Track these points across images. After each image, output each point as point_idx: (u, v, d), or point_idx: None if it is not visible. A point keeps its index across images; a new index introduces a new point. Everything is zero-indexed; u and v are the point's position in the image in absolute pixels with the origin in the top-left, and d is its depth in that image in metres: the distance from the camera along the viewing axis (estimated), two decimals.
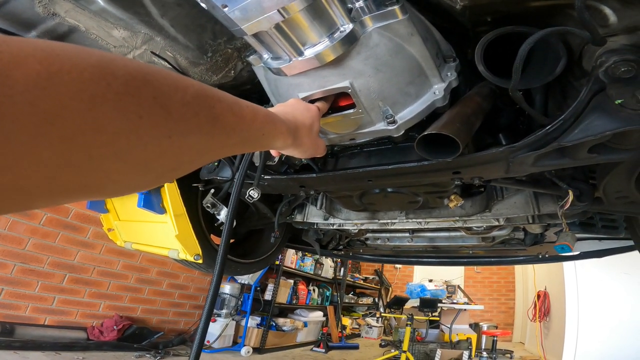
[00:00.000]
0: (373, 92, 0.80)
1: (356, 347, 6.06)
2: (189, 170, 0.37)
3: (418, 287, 6.43)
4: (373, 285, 8.74)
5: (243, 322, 4.64)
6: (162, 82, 0.29)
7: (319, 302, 6.35)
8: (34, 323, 3.20)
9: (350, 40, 0.73)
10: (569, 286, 4.88)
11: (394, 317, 6.73)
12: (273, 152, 0.95)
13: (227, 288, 4.61)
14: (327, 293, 6.59)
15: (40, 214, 3.24)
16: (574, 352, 4.59)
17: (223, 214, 1.22)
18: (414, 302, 6.18)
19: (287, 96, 0.88)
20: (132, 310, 4.01)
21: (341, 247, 2.27)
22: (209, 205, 1.23)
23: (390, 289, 9.03)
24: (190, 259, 1.30)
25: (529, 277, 6.75)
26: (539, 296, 5.90)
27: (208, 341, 4.21)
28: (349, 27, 0.73)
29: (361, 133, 0.91)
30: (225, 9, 0.65)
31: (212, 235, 1.61)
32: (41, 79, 0.21)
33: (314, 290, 6.22)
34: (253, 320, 4.72)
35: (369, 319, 7.73)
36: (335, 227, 1.70)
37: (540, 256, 1.99)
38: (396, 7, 0.72)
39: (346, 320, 7.01)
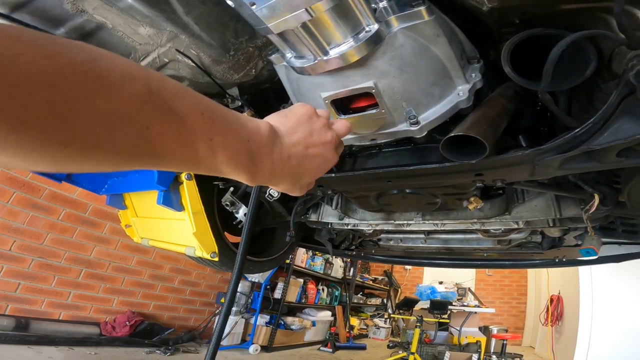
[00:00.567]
0: (397, 92, 0.80)
1: (364, 348, 6.05)
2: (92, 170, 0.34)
3: (428, 289, 6.38)
4: (382, 286, 8.71)
5: (252, 320, 4.67)
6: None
7: (328, 301, 6.35)
8: (48, 318, 3.26)
9: (376, 41, 0.73)
10: (584, 291, 4.79)
11: (403, 319, 6.69)
12: None
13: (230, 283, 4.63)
14: (336, 293, 6.58)
15: (59, 209, 3.30)
16: (585, 357, 4.51)
17: (242, 212, 1.23)
18: (423, 304, 6.13)
19: (308, 95, 0.88)
20: (144, 307, 4.07)
21: (353, 247, 2.27)
22: (227, 203, 1.24)
23: (400, 290, 8.98)
24: (207, 256, 1.31)
25: (542, 280, 6.65)
26: (552, 300, 5.80)
27: None
28: (374, 27, 0.73)
29: (383, 133, 0.90)
30: (253, 7, 0.65)
31: (225, 233, 1.63)
32: None
33: (323, 289, 6.23)
34: (262, 319, 4.75)
35: (377, 320, 7.71)
36: (349, 227, 1.70)
37: (557, 260, 1.95)
38: (422, 8, 0.72)
39: (354, 321, 7.00)
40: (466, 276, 7.59)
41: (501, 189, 1.33)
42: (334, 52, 0.73)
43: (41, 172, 1.38)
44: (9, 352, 2.66)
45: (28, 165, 0.29)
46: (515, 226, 1.34)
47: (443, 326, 5.91)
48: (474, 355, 4.84)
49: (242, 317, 4.62)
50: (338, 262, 6.78)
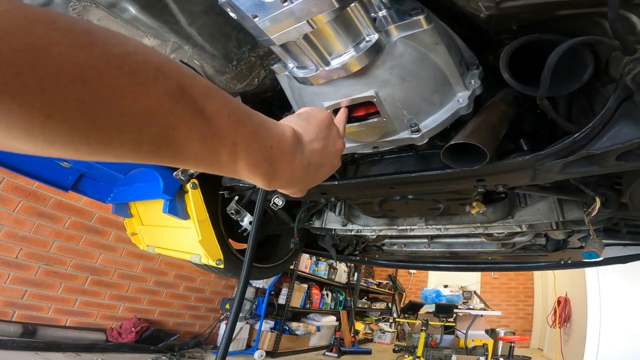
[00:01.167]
0: (398, 101, 0.81)
1: (369, 352, 6.02)
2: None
3: (433, 293, 6.35)
4: (386, 291, 8.67)
5: (257, 326, 4.67)
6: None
7: (332, 306, 6.33)
8: (55, 324, 3.28)
9: (376, 50, 0.74)
10: (591, 292, 4.76)
11: (408, 323, 6.66)
12: None
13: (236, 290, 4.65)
14: (341, 298, 6.57)
15: (65, 217, 3.34)
16: (595, 359, 4.46)
17: (246, 221, 1.24)
18: (428, 308, 6.11)
19: (311, 104, 0.90)
20: (150, 313, 4.08)
21: (357, 252, 2.27)
22: (232, 212, 1.25)
23: (404, 294, 8.95)
24: (212, 263, 1.32)
25: (549, 282, 6.60)
26: (559, 302, 5.76)
27: None
28: (374, 37, 0.74)
29: (385, 141, 0.91)
30: (256, 19, 0.66)
31: (229, 240, 1.64)
32: None
33: (327, 294, 6.22)
34: (267, 324, 4.75)
35: (382, 324, 7.67)
36: (353, 233, 1.71)
37: (562, 262, 1.95)
38: (421, 17, 0.73)
39: (359, 325, 6.97)
40: (471, 279, 7.55)
41: (503, 193, 1.34)
42: (335, 63, 0.74)
43: (46, 180, 1.39)
44: (16, 358, 2.68)
45: (50, 154, 0.27)
46: (519, 230, 1.35)
47: (449, 329, 5.88)
48: (481, 358, 4.82)
49: (247, 322, 4.63)
50: (342, 267, 6.76)
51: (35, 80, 0.22)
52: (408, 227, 1.56)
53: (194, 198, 1.24)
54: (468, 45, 0.89)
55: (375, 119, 0.85)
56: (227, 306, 4.59)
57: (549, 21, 0.80)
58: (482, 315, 5.94)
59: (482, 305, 6.34)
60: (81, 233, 3.47)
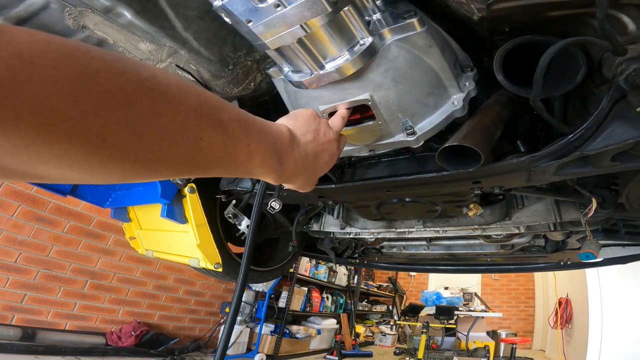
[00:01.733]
0: (393, 104, 0.81)
1: (370, 355, 6.00)
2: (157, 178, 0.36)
3: (433, 295, 6.34)
4: (387, 293, 8.66)
5: (257, 329, 4.66)
6: (146, 104, 0.28)
7: (333, 309, 6.32)
8: (55, 328, 3.28)
9: (370, 53, 0.75)
10: (592, 293, 4.75)
11: (409, 325, 6.64)
12: None
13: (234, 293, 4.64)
14: (341, 300, 6.56)
15: (63, 222, 3.34)
16: (597, 359, 4.45)
17: (244, 224, 1.24)
18: (429, 310, 6.09)
19: (307, 108, 0.90)
20: (149, 317, 4.07)
21: (356, 255, 2.27)
22: (230, 215, 1.25)
23: (405, 296, 8.92)
24: (211, 267, 1.32)
25: (550, 283, 6.60)
26: (560, 303, 5.75)
27: None
28: (368, 40, 0.74)
29: (380, 144, 0.92)
30: (250, 24, 0.67)
31: (228, 243, 1.64)
32: (5, 88, 0.21)
33: (327, 297, 6.20)
34: (267, 328, 4.74)
35: (382, 327, 7.65)
36: (351, 236, 1.70)
37: (562, 263, 1.95)
38: (414, 20, 0.73)
39: (360, 328, 6.96)
40: (472, 281, 7.54)
41: (500, 195, 1.34)
42: (330, 66, 0.75)
43: (45, 185, 1.39)
44: None
45: (98, 178, 0.30)
46: (517, 231, 1.35)
47: (450, 331, 5.86)
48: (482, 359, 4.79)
49: (247, 326, 4.62)
50: (342, 270, 6.75)
51: (91, 106, 0.24)
52: (406, 230, 1.56)
53: (191, 202, 1.25)
54: (462, 47, 0.89)
55: (371, 122, 0.85)
56: (227, 310, 4.58)
57: (542, 22, 0.81)
58: (483, 317, 5.92)
59: (483, 307, 6.33)
60: (80, 237, 3.47)
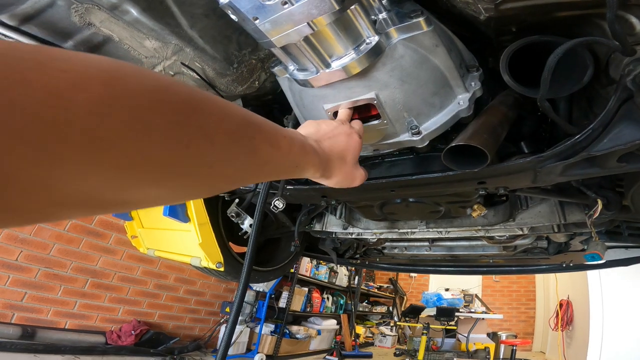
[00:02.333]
0: (398, 103, 0.81)
1: (370, 356, 5.99)
2: (219, 193, 0.37)
3: (434, 296, 6.33)
4: (387, 294, 8.65)
5: (257, 329, 4.65)
6: (211, 111, 0.29)
7: (333, 310, 6.31)
8: (54, 327, 3.28)
9: (376, 52, 0.74)
10: (594, 295, 4.75)
11: (409, 326, 6.63)
12: None
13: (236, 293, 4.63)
14: (341, 301, 6.55)
15: (64, 220, 3.33)
16: None
17: (247, 223, 1.24)
18: (430, 311, 6.08)
19: (311, 107, 0.90)
20: (149, 316, 4.07)
21: (358, 255, 2.26)
22: (233, 214, 1.25)
23: (405, 297, 8.92)
24: (212, 266, 1.32)
25: (551, 285, 6.59)
26: (561, 305, 5.75)
27: None
28: (374, 39, 0.74)
29: (385, 144, 0.91)
30: (256, 22, 0.66)
31: (230, 243, 1.64)
32: (103, 104, 0.20)
33: (328, 298, 6.20)
34: (267, 328, 4.73)
35: (382, 328, 7.64)
36: (354, 236, 1.70)
37: (564, 265, 1.94)
38: (421, 19, 0.73)
39: (360, 329, 6.94)
40: (473, 282, 7.53)
41: (504, 196, 1.33)
42: (335, 65, 0.74)
43: None
44: None
45: (177, 192, 0.31)
46: (520, 232, 1.34)
47: (450, 333, 5.85)
48: None
49: (247, 326, 4.61)
50: (343, 271, 6.75)
51: (176, 116, 0.25)
52: (409, 230, 1.56)
53: (194, 201, 1.24)
54: (468, 47, 0.89)
55: (376, 122, 0.85)
56: (228, 309, 4.58)
57: (549, 23, 0.80)
58: (483, 319, 5.91)
59: (484, 309, 6.31)
60: (81, 236, 3.47)
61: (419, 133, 0.85)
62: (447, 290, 6.81)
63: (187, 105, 0.27)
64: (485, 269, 2.30)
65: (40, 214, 0.21)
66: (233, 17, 0.69)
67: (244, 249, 1.79)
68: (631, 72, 0.74)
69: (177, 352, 3.84)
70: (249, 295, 4.70)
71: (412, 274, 8.76)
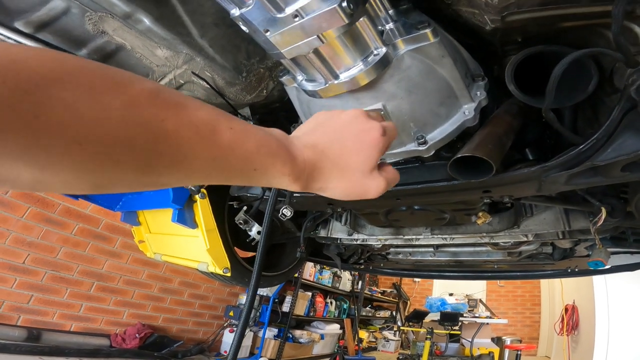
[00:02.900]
0: (405, 113, 0.82)
1: None
2: (118, 185, 0.30)
3: (438, 301, 6.30)
4: (391, 299, 8.61)
5: (260, 333, 4.65)
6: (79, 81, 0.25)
7: (336, 314, 6.30)
8: (60, 329, 3.30)
9: (384, 64, 0.76)
10: (599, 300, 4.71)
11: (413, 331, 6.60)
12: None
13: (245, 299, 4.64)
14: (345, 306, 6.53)
15: (72, 224, 3.36)
16: None
17: (254, 230, 1.25)
18: (433, 316, 6.05)
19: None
20: (154, 319, 4.09)
21: (362, 261, 2.27)
22: (241, 221, 1.26)
23: (409, 302, 8.88)
24: (219, 272, 1.33)
25: (556, 290, 6.55)
26: (566, 309, 5.71)
27: (225, 351, 4.23)
28: (382, 50, 0.75)
29: (391, 154, 0.92)
30: (267, 34, 0.67)
31: (235, 248, 1.65)
32: None
33: (331, 302, 6.19)
34: (270, 332, 4.73)
35: (386, 332, 7.60)
36: (358, 242, 1.71)
37: (569, 270, 1.94)
38: (428, 31, 0.74)
39: (363, 333, 6.91)
40: (477, 287, 7.48)
41: (509, 203, 1.34)
42: (344, 76, 0.76)
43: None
44: None
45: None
46: (525, 239, 1.35)
47: (454, 338, 5.82)
48: None
49: (251, 330, 4.61)
50: (346, 275, 6.74)
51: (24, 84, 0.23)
52: (414, 237, 1.57)
53: (202, 207, 1.26)
54: (473, 56, 0.90)
55: None
56: (232, 313, 4.58)
57: (553, 33, 0.81)
58: (488, 324, 5.87)
59: (488, 314, 6.28)
60: (88, 240, 3.49)
61: (425, 143, 0.86)
62: (451, 295, 6.77)
63: (39, 76, 0.23)
64: (489, 274, 2.29)
65: None
66: (244, 28, 0.70)
67: (249, 254, 1.81)
68: (635, 82, 0.74)
69: (180, 356, 3.84)
70: None
71: (416, 279, 8.72)
